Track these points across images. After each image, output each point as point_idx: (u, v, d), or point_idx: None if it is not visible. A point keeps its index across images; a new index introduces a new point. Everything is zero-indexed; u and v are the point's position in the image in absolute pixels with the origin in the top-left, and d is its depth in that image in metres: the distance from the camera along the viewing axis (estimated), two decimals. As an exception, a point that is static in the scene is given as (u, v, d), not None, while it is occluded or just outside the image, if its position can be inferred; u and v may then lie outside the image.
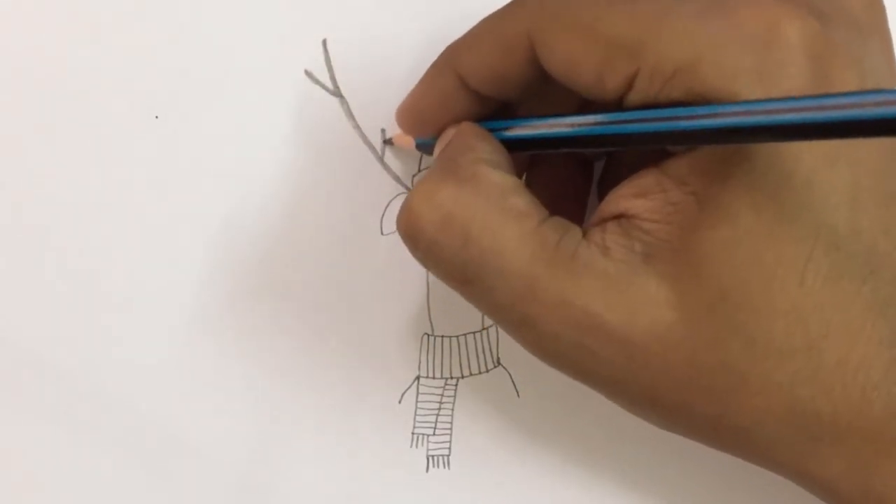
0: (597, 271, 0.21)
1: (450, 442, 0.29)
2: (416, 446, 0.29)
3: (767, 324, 0.20)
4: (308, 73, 0.30)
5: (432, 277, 0.29)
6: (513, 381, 0.29)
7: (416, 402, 0.29)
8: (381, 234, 0.29)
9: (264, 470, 0.28)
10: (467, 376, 0.29)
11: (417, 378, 0.29)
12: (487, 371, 0.29)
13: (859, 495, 0.21)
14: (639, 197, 0.22)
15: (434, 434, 0.29)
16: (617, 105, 0.22)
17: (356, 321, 0.29)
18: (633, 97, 0.21)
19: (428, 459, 0.28)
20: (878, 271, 0.21)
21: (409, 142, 0.28)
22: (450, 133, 0.25)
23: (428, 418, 0.29)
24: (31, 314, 0.29)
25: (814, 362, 0.20)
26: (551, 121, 0.23)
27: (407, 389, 0.29)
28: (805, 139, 0.18)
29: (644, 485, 0.28)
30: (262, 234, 0.29)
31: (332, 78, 0.29)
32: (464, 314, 0.29)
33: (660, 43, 0.21)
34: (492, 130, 0.25)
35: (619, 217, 0.22)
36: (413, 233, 0.22)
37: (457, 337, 0.29)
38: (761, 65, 0.20)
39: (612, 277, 0.21)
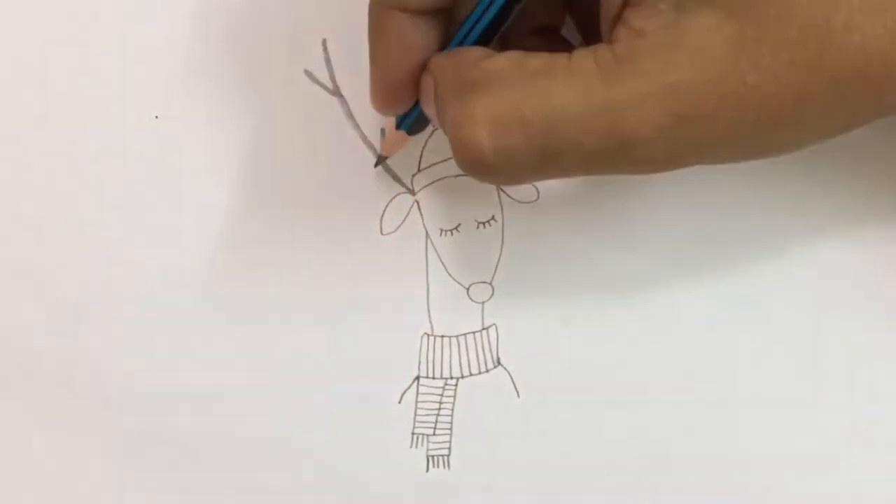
0: (645, 52, 0.21)
1: (450, 442, 0.29)
2: (416, 446, 0.28)
3: None
4: (308, 73, 0.30)
5: (432, 277, 0.29)
6: (513, 381, 0.29)
7: (416, 402, 0.29)
8: (381, 234, 0.29)
9: (264, 470, 0.28)
10: (467, 376, 0.29)
11: (417, 378, 0.29)
12: (487, 371, 0.29)
13: None
14: None
15: (434, 434, 0.29)
16: None
17: (356, 321, 0.29)
18: None
19: (428, 459, 0.28)
20: None
21: (400, 140, 0.27)
22: (429, 81, 0.24)
23: (428, 418, 0.29)
24: (31, 314, 0.29)
25: None
26: None
27: (407, 389, 0.29)
28: None
29: (644, 484, 0.28)
30: (262, 233, 0.29)
31: (332, 78, 0.30)
32: (464, 314, 0.29)
33: None
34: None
35: (625, 5, 0.22)
36: (480, 160, 0.22)
37: (457, 337, 0.29)
38: None
39: (664, 44, 0.21)
